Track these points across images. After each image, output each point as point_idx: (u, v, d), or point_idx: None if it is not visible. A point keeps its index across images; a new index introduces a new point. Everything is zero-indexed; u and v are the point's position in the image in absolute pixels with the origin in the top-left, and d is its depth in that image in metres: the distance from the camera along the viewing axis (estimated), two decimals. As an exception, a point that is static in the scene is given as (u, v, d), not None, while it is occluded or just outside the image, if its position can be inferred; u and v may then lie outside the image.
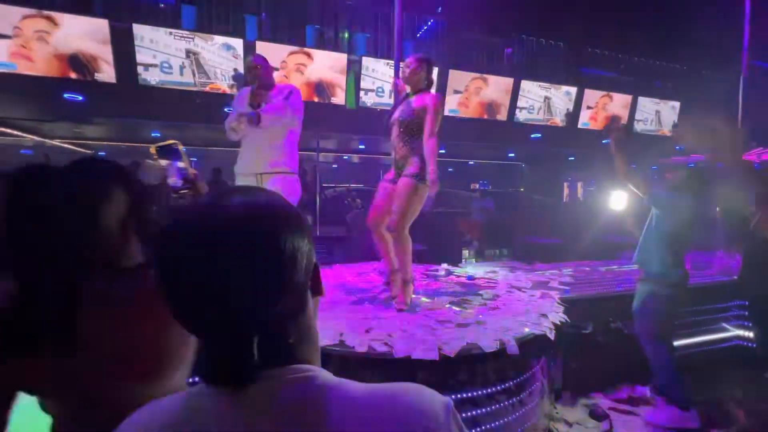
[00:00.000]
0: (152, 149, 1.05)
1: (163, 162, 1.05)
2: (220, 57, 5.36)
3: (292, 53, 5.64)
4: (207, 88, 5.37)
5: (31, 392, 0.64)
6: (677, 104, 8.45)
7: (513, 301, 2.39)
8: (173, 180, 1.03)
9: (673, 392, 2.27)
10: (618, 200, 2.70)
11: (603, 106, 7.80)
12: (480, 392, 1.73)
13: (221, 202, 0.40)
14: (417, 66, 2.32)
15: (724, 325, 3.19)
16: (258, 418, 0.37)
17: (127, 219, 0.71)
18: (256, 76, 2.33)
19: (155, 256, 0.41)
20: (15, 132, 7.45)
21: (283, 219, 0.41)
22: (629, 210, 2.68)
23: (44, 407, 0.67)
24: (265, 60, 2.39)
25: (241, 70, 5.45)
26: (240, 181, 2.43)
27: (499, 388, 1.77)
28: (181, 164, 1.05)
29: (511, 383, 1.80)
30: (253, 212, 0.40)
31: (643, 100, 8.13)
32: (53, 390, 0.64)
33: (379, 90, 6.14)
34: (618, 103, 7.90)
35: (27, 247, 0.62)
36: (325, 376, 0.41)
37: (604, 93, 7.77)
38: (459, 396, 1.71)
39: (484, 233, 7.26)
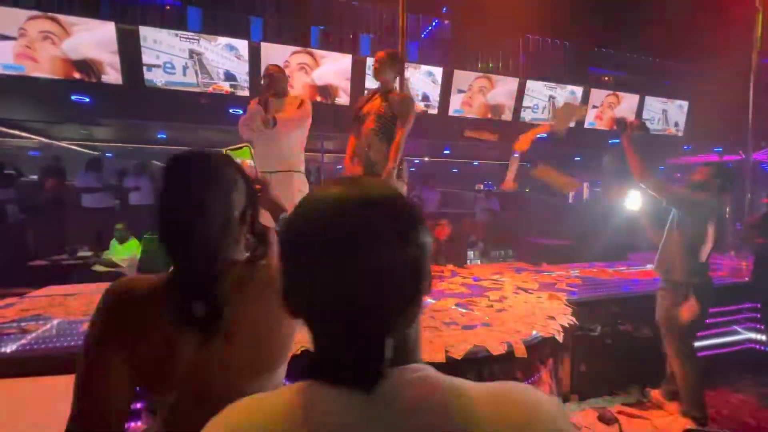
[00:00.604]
0: (224, 152, 1.09)
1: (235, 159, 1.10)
2: (223, 57, 5.37)
3: (295, 53, 5.64)
4: (210, 89, 5.39)
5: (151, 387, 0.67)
6: (685, 103, 8.35)
7: (520, 303, 2.36)
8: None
9: (693, 404, 2.22)
10: (634, 200, 2.56)
11: (609, 105, 7.73)
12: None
13: (353, 197, 0.39)
14: (379, 61, 2.40)
15: (736, 327, 3.13)
16: (391, 418, 0.37)
17: (245, 210, 0.75)
18: (271, 82, 2.46)
19: (291, 256, 0.40)
20: (23, 134, 7.54)
21: (418, 215, 0.41)
22: (646, 212, 2.54)
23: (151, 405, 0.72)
24: (281, 69, 2.57)
25: (243, 73, 5.47)
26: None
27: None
28: (251, 163, 1.10)
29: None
30: (394, 208, 0.40)
31: (650, 100, 8.04)
32: (182, 382, 0.65)
33: None
34: (625, 102, 7.82)
35: (180, 231, 0.68)
36: (437, 374, 0.41)
37: (611, 92, 7.70)
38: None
39: (490, 234, 7.22)
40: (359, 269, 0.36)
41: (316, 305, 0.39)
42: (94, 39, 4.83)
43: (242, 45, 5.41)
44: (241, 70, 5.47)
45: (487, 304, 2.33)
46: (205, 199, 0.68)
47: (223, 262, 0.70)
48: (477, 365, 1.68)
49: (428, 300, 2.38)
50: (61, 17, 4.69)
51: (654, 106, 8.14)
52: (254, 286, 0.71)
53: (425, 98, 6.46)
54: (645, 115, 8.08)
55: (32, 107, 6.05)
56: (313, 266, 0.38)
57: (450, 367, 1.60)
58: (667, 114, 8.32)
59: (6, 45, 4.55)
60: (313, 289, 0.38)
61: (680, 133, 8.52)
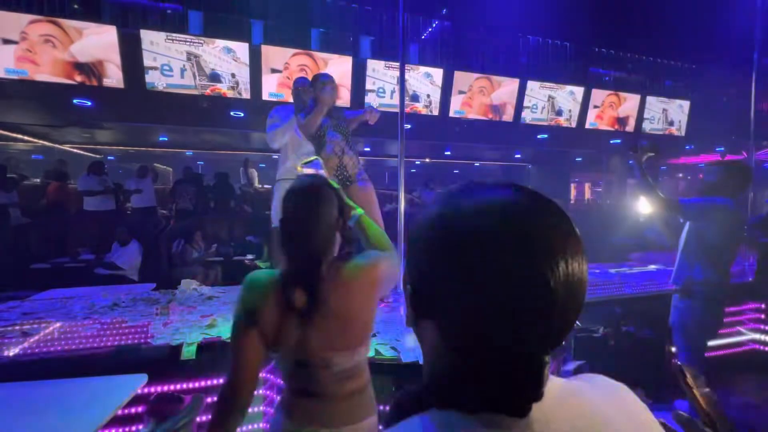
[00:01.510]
0: (299, 168, 1.30)
1: (308, 171, 1.26)
2: (221, 60, 5.38)
3: (295, 55, 5.65)
4: (208, 91, 5.39)
5: (276, 350, 0.91)
6: (686, 103, 8.33)
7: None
8: None
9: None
10: (645, 204, 2.53)
11: (610, 105, 7.72)
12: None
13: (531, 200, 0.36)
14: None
15: (740, 329, 3.11)
16: None
17: (337, 218, 0.97)
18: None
19: (456, 256, 0.35)
20: (26, 137, 7.58)
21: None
22: (660, 215, 2.45)
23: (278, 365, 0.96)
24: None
25: (241, 72, 5.48)
26: (283, 186, 2.72)
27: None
28: (323, 172, 1.25)
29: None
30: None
31: (651, 99, 8.03)
32: (294, 348, 0.89)
33: (380, 90, 6.13)
34: (626, 102, 7.81)
35: (300, 240, 0.92)
36: (565, 383, 0.39)
37: (612, 92, 7.69)
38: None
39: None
40: (547, 280, 0.32)
41: (479, 317, 0.33)
42: (95, 43, 4.86)
43: (243, 48, 5.43)
44: (242, 73, 5.48)
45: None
46: (317, 216, 0.92)
47: (324, 260, 0.92)
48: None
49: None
50: (63, 21, 4.72)
51: (655, 105, 8.13)
52: (345, 278, 0.92)
53: (415, 99, 6.45)
54: (646, 115, 8.07)
55: (34, 111, 6.08)
56: (488, 272, 0.33)
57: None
58: (667, 114, 8.30)
59: (8, 49, 4.58)
60: (483, 297, 0.33)
61: (681, 133, 8.50)
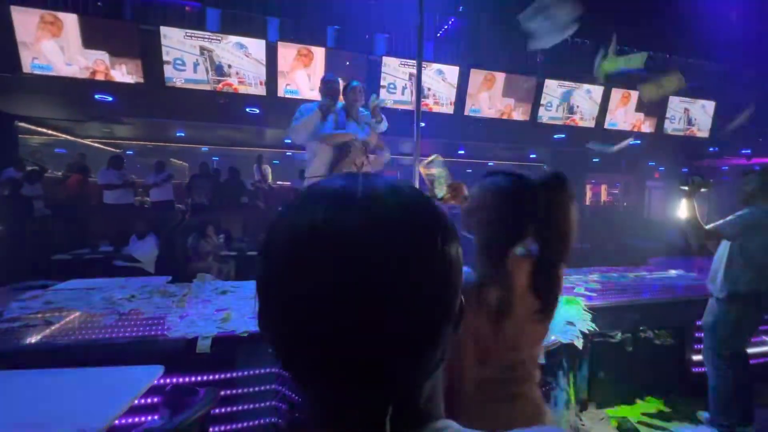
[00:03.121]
0: (422, 168, 1.24)
1: (434, 171, 1.22)
2: (237, 57, 5.43)
3: (310, 51, 5.67)
4: (220, 86, 5.43)
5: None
6: (711, 104, 8.06)
7: (537, 307, 2.30)
8: (442, 188, 1.20)
9: (719, 412, 2.15)
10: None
11: (630, 105, 7.52)
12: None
13: (358, 191, 0.31)
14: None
15: (765, 338, 2.99)
16: None
17: None
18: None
19: (276, 266, 0.31)
20: (50, 131, 7.81)
21: (445, 218, 0.34)
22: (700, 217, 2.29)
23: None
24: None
25: (254, 69, 5.52)
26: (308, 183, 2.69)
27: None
28: (444, 170, 1.21)
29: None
30: (415, 207, 0.32)
31: (674, 100, 7.79)
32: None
33: (391, 86, 6.09)
34: (647, 103, 7.59)
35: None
36: (457, 428, 0.33)
37: (632, 92, 7.48)
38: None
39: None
40: (369, 286, 0.27)
41: (304, 335, 0.28)
42: (118, 39, 4.96)
43: (259, 45, 5.47)
44: (258, 70, 5.52)
45: (502, 308, 2.28)
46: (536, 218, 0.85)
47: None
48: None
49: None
50: (86, 18, 4.83)
51: (677, 106, 7.88)
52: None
53: (428, 95, 6.39)
54: (667, 115, 7.83)
55: (58, 106, 6.26)
56: (303, 281, 0.28)
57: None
58: (690, 114, 8.04)
59: (34, 44, 4.71)
60: (301, 312, 0.28)
61: (705, 135, 8.23)
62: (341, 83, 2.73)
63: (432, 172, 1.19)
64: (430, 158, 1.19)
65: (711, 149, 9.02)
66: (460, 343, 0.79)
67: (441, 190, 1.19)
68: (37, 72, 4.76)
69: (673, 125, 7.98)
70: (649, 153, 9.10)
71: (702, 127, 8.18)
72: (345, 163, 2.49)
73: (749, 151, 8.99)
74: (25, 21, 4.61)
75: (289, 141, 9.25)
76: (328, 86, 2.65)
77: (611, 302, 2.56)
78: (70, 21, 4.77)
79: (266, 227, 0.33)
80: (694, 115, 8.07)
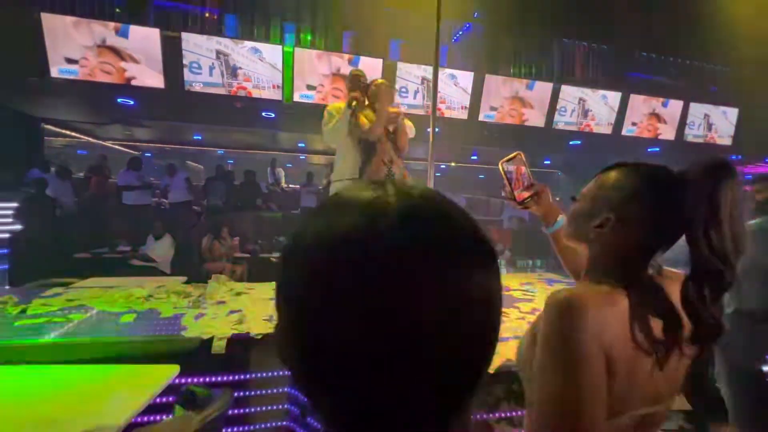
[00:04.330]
0: (500, 165, 1.09)
1: (513, 168, 1.08)
2: (255, 62, 5.52)
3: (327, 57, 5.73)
4: (234, 89, 5.51)
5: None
6: (734, 110, 7.84)
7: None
8: (520, 190, 1.05)
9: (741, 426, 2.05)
10: None
11: (649, 111, 7.37)
12: (519, 412, 1.64)
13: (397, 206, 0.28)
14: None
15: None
16: None
17: None
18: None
19: (312, 282, 0.28)
20: (73, 134, 8.08)
21: (488, 237, 0.30)
22: None
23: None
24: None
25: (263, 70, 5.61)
26: (335, 187, 2.62)
27: (539, 408, 1.66)
28: (525, 170, 1.06)
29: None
30: (460, 223, 0.30)
31: (695, 106, 7.60)
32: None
33: (403, 90, 6.11)
34: (667, 108, 7.43)
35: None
36: None
37: (651, 98, 7.33)
38: (495, 414, 1.64)
39: (517, 243, 7.02)
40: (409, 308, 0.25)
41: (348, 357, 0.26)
42: (140, 45, 5.11)
43: (276, 50, 5.56)
44: (275, 74, 5.61)
45: (518, 316, 2.24)
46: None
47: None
48: (509, 379, 1.61)
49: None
50: (111, 24, 5.00)
51: (698, 112, 7.69)
52: None
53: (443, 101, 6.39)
54: (688, 122, 7.66)
55: (82, 109, 6.47)
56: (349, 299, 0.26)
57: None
58: (712, 121, 7.83)
59: (61, 50, 4.89)
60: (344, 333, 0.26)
61: (728, 142, 8.00)
62: (368, 79, 2.67)
63: (512, 169, 1.06)
64: (511, 155, 1.05)
65: (733, 157, 8.75)
66: (580, 392, 0.56)
67: (520, 192, 1.06)
68: (64, 76, 4.93)
69: (693, 132, 7.78)
70: (669, 161, 8.87)
71: (723, 134, 7.95)
72: (375, 162, 2.49)
73: (775, 159, 8.69)
74: (53, 27, 4.79)
75: (303, 145, 9.36)
76: (355, 81, 2.58)
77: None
78: (97, 28, 4.93)
79: (299, 236, 0.30)
80: (716, 123, 7.85)
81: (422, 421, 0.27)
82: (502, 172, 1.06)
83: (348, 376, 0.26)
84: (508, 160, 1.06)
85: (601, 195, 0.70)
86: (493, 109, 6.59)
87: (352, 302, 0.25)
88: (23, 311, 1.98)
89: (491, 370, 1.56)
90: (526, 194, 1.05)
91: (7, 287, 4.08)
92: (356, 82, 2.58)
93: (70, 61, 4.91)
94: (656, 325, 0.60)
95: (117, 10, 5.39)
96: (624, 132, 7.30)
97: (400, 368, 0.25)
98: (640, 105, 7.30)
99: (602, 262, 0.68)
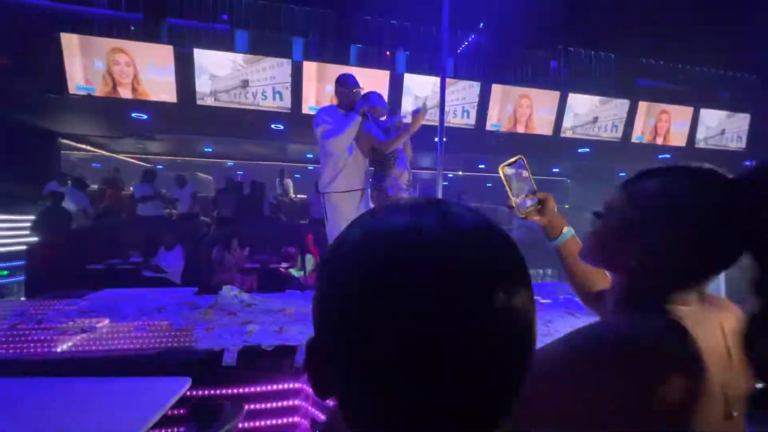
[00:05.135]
0: (500, 169, 1.00)
1: (509, 171, 1.00)
2: (264, 75, 5.64)
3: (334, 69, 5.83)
4: (246, 104, 5.61)
5: None
6: (746, 116, 7.73)
7: (567, 328, 2.21)
8: (522, 198, 0.97)
9: None
10: None
11: (658, 118, 7.30)
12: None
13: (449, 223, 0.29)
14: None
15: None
16: None
17: None
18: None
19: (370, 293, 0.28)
20: (89, 147, 8.30)
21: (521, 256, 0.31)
22: None
23: None
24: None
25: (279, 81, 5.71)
26: (343, 198, 2.51)
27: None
28: (528, 175, 0.98)
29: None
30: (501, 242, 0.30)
31: (705, 112, 7.52)
32: None
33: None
34: (677, 115, 7.36)
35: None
36: None
37: (660, 104, 7.28)
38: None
39: (527, 252, 6.91)
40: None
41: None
42: (154, 61, 5.27)
43: (286, 64, 5.68)
44: (284, 88, 5.72)
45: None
46: None
47: None
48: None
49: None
50: (128, 42, 5.17)
51: (709, 118, 7.60)
52: None
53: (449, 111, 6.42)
54: (699, 128, 7.56)
55: (97, 123, 6.66)
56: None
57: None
58: (724, 127, 7.73)
59: (80, 67, 5.06)
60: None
61: (741, 147, 7.87)
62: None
63: (510, 173, 1.00)
64: (512, 159, 0.99)
65: (747, 162, 8.59)
66: None
67: (521, 200, 0.98)
68: (81, 93, 5.10)
69: (707, 138, 7.68)
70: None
71: (736, 140, 7.83)
72: (393, 169, 2.54)
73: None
74: (71, 46, 4.97)
75: (312, 156, 9.46)
76: (356, 90, 2.50)
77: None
78: (114, 45, 5.10)
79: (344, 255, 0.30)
80: (728, 128, 7.74)
81: (465, 426, 0.27)
82: (503, 177, 0.99)
83: (393, 379, 0.26)
84: (509, 164, 0.99)
85: (638, 211, 0.57)
86: (500, 118, 6.60)
87: (395, 305, 0.26)
88: (39, 323, 2.01)
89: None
90: (528, 202, 0.97)
91: (23, 299, 4.15)
92: (356, 91, 2.51)
93: (87, 78, 5.08)
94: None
95: (132, 27, 5.59)
96: (634, 139, 7.24)
97: (443, 373, 0.25)
98: (650, 111, 7.25)
99: (641, 290, 0.57)
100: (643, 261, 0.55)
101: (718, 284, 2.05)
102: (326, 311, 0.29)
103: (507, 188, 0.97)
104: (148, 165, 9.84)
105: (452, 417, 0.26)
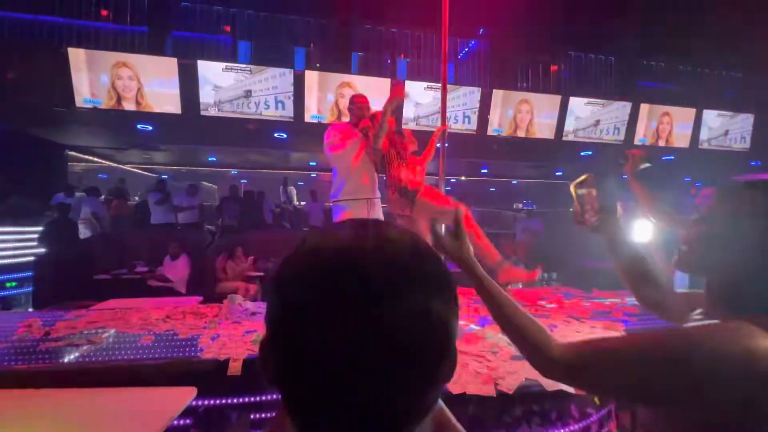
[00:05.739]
0: (572, 188, 1.07)
1: (584, 192, 1.05)
2: (267, 85, 5.70)
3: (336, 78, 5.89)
4: (250, 113, 5.68)
5: None
6: (749, 116, 7.68)
7: (572, 333, 2.19)
8: (589, 213, 1.02)
9: None
10: (642, 231, 2.18)
11: (660, 120, 7.28)
12: (539, 434, 1.58)
13: (368, 241, 0.33)
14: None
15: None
16: None
17: None
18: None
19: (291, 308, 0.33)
20: (95, 159, 8.41)
21: (444, 265, 0.34)
22: (656, 243, 2.22)
23: None
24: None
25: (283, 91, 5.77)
26: (351, 205, 2.60)
27: (561, 431, 1.61)
28: (596, 193, 1.03)
29: (576, 426, 1.63)
30: (418, 255, 0.34)
31: (708, 113, 7.49)
32: None
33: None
34: (679, 116, 7.34)
35: None
36: None
37: (662, 106, 7.26)
38: (516, 436, 1.58)
39: (531, 256, 6.89)
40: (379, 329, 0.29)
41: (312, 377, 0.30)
42: (158, 74, 5.35)
43: (287, 73, 5.75)
44: (286, 97, 5.78)
45: (535, 333, 2.19)
46: None
47: None
48: (529, 400, 1.56)
49: (471, 326, 2.29)
50: (132, 56, 5.26)
51: (712, 119, 7.56)
52: None
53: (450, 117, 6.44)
54: (702, 129, 7.53)
55: (104, 135, 6.76)
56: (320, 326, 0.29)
57: (501, 401, 1.51)
58: (727, 127, 7.68)
59: (87, 81, 5.15)
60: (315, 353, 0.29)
61: (745, 147, 7.82)
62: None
63: (582, 192, 1.03)
64: (581, 177, 1.03)
65: (752, 163, 8.52)
66: None
67: (592, 216, 1.01)
68: (88, 106, 5.19)
69: (710, 139, 7.64)
70: (684, 169, 8.71)
71: (740, 141, 7.78)
72: (395, 167, 2.56)
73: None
74: (78, 60, 5.07)
75: (314, 164, 9.52)
76: (359, 110, 2.71)
77: (653, 327, 2.40)
78: (118, 59, 5.20)
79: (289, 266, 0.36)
80: (732, 129, 7.70)
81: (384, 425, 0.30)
82: (574, 196, 1.04)
83: (320, 379, 0.29)
84: (579, 183, 1.04)
85: (746, 219, 0.62)
86: (501, 123, 6.61)
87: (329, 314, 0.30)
88: (47, 334, 2.03)
89: (510, 390, 1.53)
90: (595, 217, 1.01)
91: (30, 309, 4.19)
92: (361, 111, 2.72)
93: (93, 92, 5.17)
94: None
95: (134, 40, 5.69)
96: (636, 142, 7.22)
97: (367, 374, 0.29)
98: (651, 114, 7.23)
99: (747, 294, 0.59)
100: (750, 267, 0.59)
101: (684, 281, 2.02)
102: (265, 316, 0.34)
103: (577, 206, 1.03)
104: (154, 175, 9.96)
105: (354, 420, 0.30)
